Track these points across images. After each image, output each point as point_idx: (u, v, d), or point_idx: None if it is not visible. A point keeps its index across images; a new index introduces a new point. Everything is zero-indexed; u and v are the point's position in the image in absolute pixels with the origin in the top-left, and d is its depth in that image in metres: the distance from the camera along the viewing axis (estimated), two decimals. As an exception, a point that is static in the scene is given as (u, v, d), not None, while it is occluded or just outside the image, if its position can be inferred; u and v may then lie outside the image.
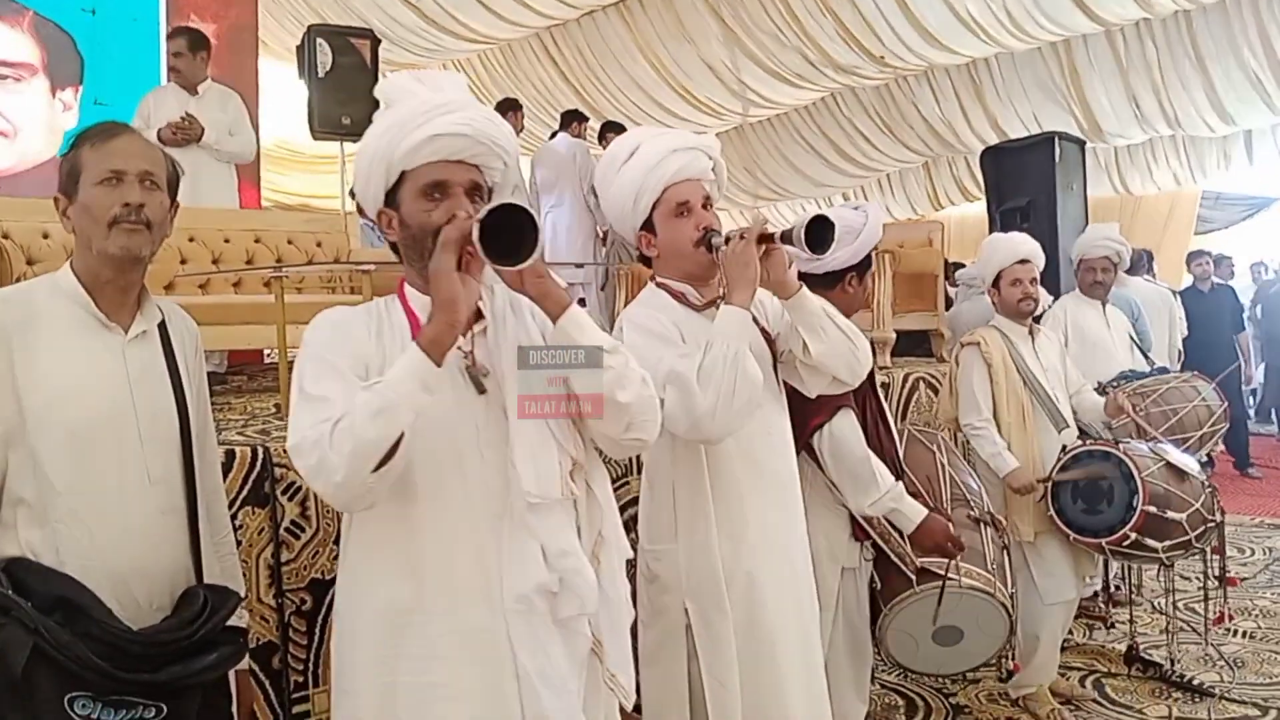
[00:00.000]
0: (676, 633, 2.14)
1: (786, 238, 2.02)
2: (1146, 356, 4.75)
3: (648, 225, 2.17)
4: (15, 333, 1.64)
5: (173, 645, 1.64)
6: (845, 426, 2.54)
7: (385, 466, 1.46)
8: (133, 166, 1.70)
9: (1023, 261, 3.63)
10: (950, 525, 2.62)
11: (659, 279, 2.22)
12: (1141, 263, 7.34)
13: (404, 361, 1.49)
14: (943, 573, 2.61)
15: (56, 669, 1.52)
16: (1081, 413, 3.84)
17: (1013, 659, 3.12)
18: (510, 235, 1.48)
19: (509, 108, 7.82)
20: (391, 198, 1.65)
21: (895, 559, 2.65)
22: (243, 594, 1.89)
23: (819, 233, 1.99)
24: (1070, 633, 4.29)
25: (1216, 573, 3.77)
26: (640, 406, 1.64)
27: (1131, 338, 4.70)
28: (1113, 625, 4.42)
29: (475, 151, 1.64)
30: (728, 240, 2.06)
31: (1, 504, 1.63)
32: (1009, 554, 2.89)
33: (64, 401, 1.64)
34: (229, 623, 1.76)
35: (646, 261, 2.27)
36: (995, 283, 3.70)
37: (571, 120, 7.86)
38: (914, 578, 2.65)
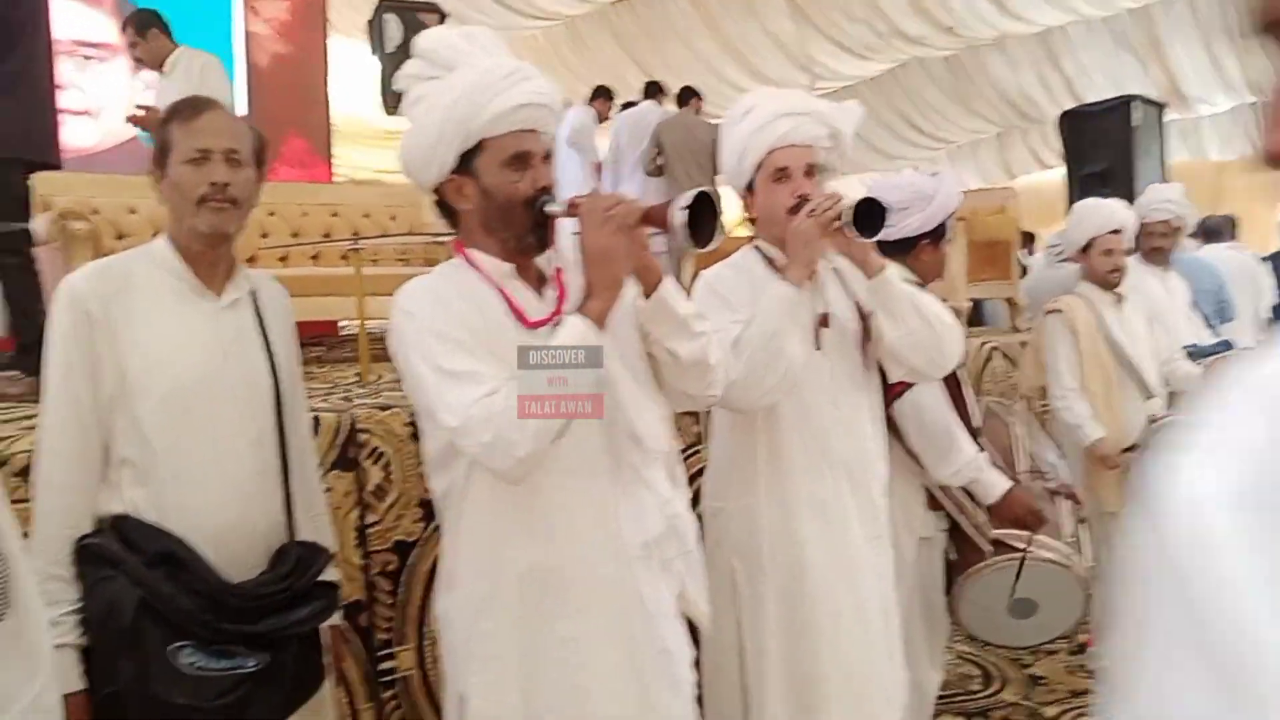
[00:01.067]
0: (727, 587, 2.15)
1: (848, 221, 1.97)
2: (1212, 328, 4.59)
3: (750, 188, 2.15)
4: (115, 301, 1.70)
5: (269, 599, 1.70)
6: (927, 394, 2.50)
7: (563, 435, 1.52)
8: (218, 144, 1.73)
9: (1115, 231, 3.55)
10: (1031, 498, 2.59)
11: (758, 243, 2.21)
12: (1225, 229, 7.12)
13: (572, 335, 1.52)
14: (1019, 546, 2.58)
15: (162, 620, 1.59)
16: (1174, 382, 3.77)
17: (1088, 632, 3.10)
18: (695, 218, 1.54)
19: (599, 95, 7.82)
20: (464, 165, 1.63)
21: (971, 530, 2.63)
22: (333, 551, 1.94)
23: (868, 215, 1.94)
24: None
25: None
26: (721, 367, 1.71)
27: (1198, 308, 4.55)
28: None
29: (549, 120, 1.66)
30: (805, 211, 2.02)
31: (109, 464, 1.69)
32: (1089, 526, 2.85)
33: (163, 367, 1.70)
34: (321, 578, 1.82)
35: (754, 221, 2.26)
36: (1085, 249, 3.60)
37: (656, 91, 7.85)
38: (989, 549, 2.63)
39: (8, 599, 1.30)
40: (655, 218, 1.58)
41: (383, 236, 4.10)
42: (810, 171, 2.09)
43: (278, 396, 1.82)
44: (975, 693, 3.52)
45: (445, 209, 1.71)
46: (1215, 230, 7.01)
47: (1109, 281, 3.58)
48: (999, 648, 3.74)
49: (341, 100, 8.01)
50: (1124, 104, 6.05)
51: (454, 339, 1.56)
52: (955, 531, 2.70)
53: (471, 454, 1.53)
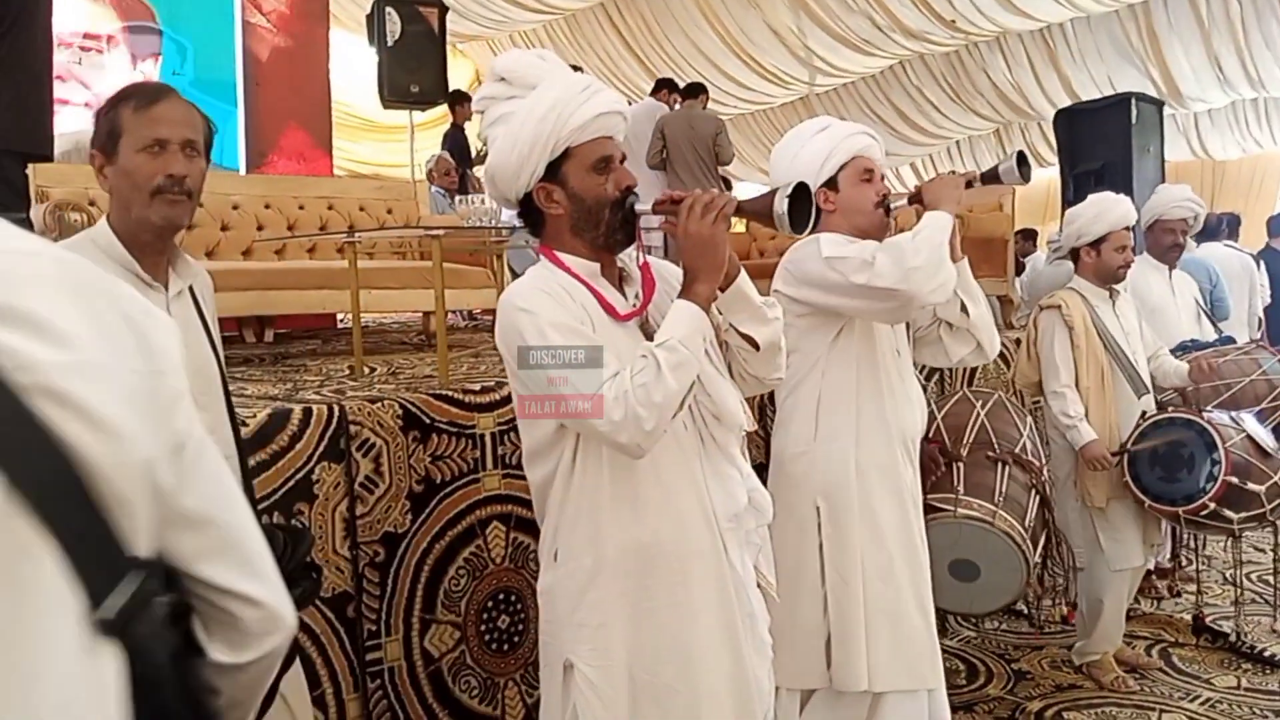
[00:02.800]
0: (808, 527, 2.41)
1: (993, 176, 2.35)
2: (1216, 325, 4.62)
3: (830, 184, 2.44)
4: None
5: None
6: None
7: (679, 412, 1.68)
8: (176, 135, 1.71)
9: (1129, 227, 3.61)
10: (946, 471, 2.85)
11: (828, 234, 2.43)
12: (1221, 228, 7.14)
13: (684, 319, 1.68)
14: (945, 507, 2.74)
15: None
16: (1160, 377, 3.79)
17: (1068, 603, 3.15)
18: (794, 207, 1.71)
19: (662, 87, 7.91)
20: (552, 173, 1.76)
21: None
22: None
23: (1022, 165, 2.30)
24: (1137, 601, 4.26)
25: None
26: (785, 354, 1.92)
27: (1199, 304, 4.58)
28: (1179, 594, 4.36)
29: (620, 127, 1.81)
30: (910, 199, 2.39)
31: None
32: (1039, 493, 2.92)
33: None
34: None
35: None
36: (1097, 244, 3.61)
37: (661, 88, 7.94)
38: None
39: None
40: (753, 209, 1.77)
41: (380, 230, 4.12)
42: (883, 178, 2.49)
43: (225, 385, 1.85)
44: (960, 687, 3.55)
45: (531, 216, 1.84)
46: (1212, 229, 7.02)
47: (1119, 276, 3.63)
48: (967, 624, 3.87)
49: (338, 93, 8.01)
50: (1123, 101, 6.06)
51: (572, 329, 1.69)
52: None
53: (601, 431, 1.64)
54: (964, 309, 2.41)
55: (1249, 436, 3.47)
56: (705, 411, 1.81)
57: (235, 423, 1.88)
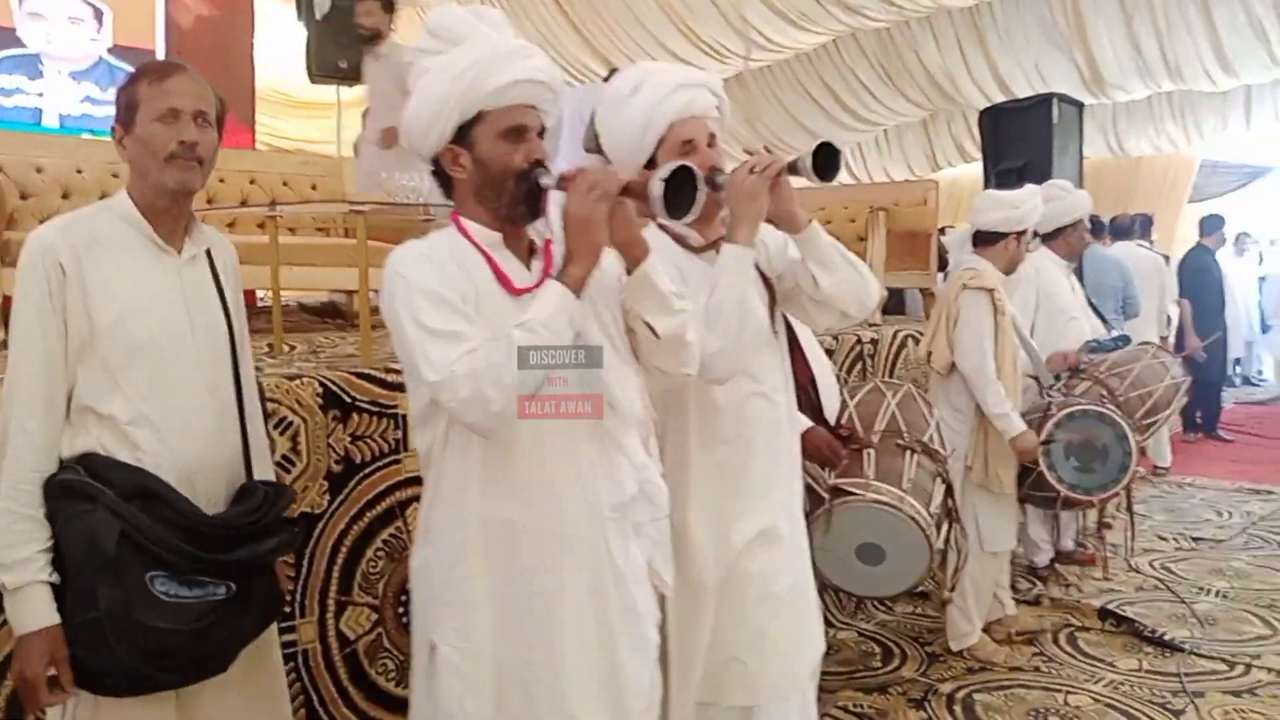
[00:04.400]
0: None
1: (794, 168, 2.00)
2: (1105, 322, 4.74)
3: (651, 163, 2.10)
4: (85, 254, 1.76)
5: (242, 530, 1.81)
6: None
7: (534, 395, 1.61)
8: (188, 105, 1.79)
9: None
10: (855, 456, 2.76)
11: (660, 220, 2.15)
12: (1134, 227, 7.36)
13: (551, 299, 1.62)
14: (855, 491, 2.72)
15: (140, 550, 1.67)
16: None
17: (952, 588, 3.27)
18: (673, 191, 1.63)
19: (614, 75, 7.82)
20: (462, 135, 1.71)
21: (811, 482, 2.72)
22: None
23: (826, 159, 1.97)
24: (1046, 587, 4.39)
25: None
26: (696, 347, 1.82)
27: (1093, 305, 4.71)
28: (1068, 584, 4.49)
29: (547, 98, 1.75)
30: (712, 183, 2.01)
31: (72, 409, 1.75)
32: (944, 481, 2.95)
33: (131, 317, 1.77)
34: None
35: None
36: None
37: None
38: (827, 496, 2.73)
39: None
40: (636, 189, 1.66)
41: (302, 203, 4.03)
42: (712, 142, 2.11)
43: (233, 347, 1.93)
44: (875, 669, 3.62)
45: (442, 178, 1.79)
46: (1125, 229, 7.24)
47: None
48: (881, 608, 3.96)
49: (265, 67, 7.82)
50: (1045, 101, 6.19)
51: (442, 299, 1.64)
52: (807, 487, 2.78)
53: (449, 408, 1.60)
54: (815, 280, 2.09)
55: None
56: (523, 380, 1.66)
57: (240, 388, 1.91)
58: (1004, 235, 3.66)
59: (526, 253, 1.79)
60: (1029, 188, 3.81)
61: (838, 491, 2.74)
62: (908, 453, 2.90)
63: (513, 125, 1.70)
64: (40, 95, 6.59)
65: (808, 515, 2.79)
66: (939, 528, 2.88)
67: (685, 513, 2.11)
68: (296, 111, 11.12)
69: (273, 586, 1.94)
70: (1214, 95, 10.04)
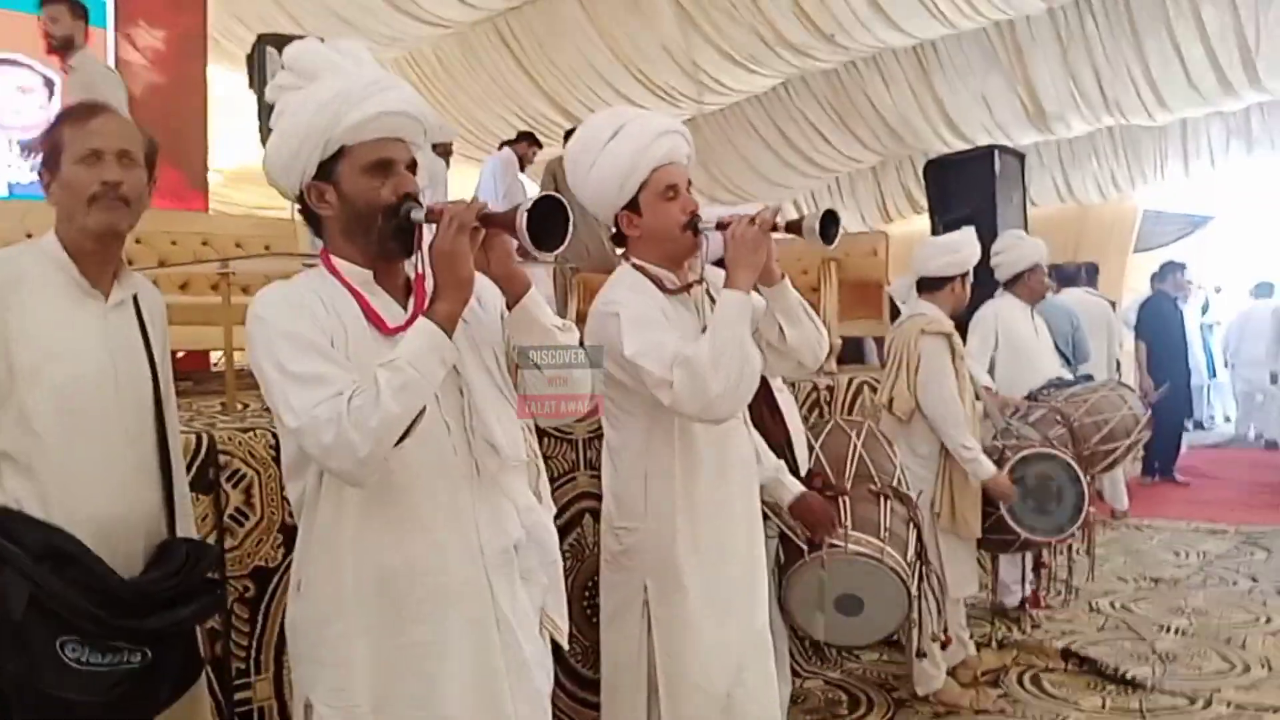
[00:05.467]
0: (634, 602, 2.24)
1: (795, 228, 2.08)
2: (1071, 366, 4.89)
3: (632, 205, 2.20)
4: (7, 293, 1.72)
5: (160, 594, 1.74)
6: None
7: (404, 440, 1.52)
8: (110, 145, 1.78)
9: None
10: (833, 504, 2.76)
11: (635, 261, 2.25)
12: (1081, 275, 7.53)
13: (419, 337, 1.54)
14: (836, 543, 2.72)
15: (49, 615, 1.59)
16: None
17: (945, 631, 3.28)
18: (540, 223, 1.55)
19: (523, 139, 7.93)
20: (325, 172, 1.64)
21: (788, 531, 2.74)
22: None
23: (829, 226, 2.06)
24: (1009, 630, 4.40)
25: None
26: (587, 379, 1.78)
27: (1058, 347, 4.84)
28: (1036, 625, 4.50)
29: (413, 129, 1.69)
30: (720, 225, 2.13)
31: None
32: (916, 526, 2.97)
33: (51, 361, 1.73)
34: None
35: (619, 242, 2.33)
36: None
37: (521, 140, 8.03)
38: (805, 548, 2.74)
39: None
40: (499, 221, 1.59)
41: (252, 255, 4.01)
42: (689, 187, 2.20)
43: (157, 397, 1.88)
44: (841, 716, 3.59)
45: (308, 215, 1.73)
46: (1071, 276, 7.40)
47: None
48: (850, 660, 3.95)
49: (223, 138, 7.82)
50: (987, 154, 6.37)
51: (305, 342, 1.56)
52: (782, 536, 2.81)
53: (313, 454, 1.54)
54: (781, 332, 2.20)
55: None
56: (479, 438, 1.68)
57: (164, 436, 1.87)
58: (949, 279, 3.74)
59: (402, 290, 1.72)
60: (965, 231, 3.90)
61: (815, 544, 2.73)
62: (881, 498, 2.91)
63: (378, 159, 1.64)
64: (-11, 165, 6.54)
65: (783, 566, 2.80)
66: (914, 575, 2.89)
67: (698, 521, 2.20)
68: (253, 184, 11.14)
69: (190, 651, 1.86)
70: (1152, 130, 10.38)
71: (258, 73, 6.82)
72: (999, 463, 3.67)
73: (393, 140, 1.66)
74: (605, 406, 2.30)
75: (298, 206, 1.74)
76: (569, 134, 7.84)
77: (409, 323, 1.65)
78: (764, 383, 2.80)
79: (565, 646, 1.89)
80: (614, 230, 2.29)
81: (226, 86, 8.05)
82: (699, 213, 2.19)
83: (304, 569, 1.69)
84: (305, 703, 1.65)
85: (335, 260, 1.69)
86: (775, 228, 2.09)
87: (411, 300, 1.71)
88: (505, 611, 1.68)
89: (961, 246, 3.77)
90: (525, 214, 1.54)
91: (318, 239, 1.77)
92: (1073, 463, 3.71)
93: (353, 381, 1.52)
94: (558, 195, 1.58)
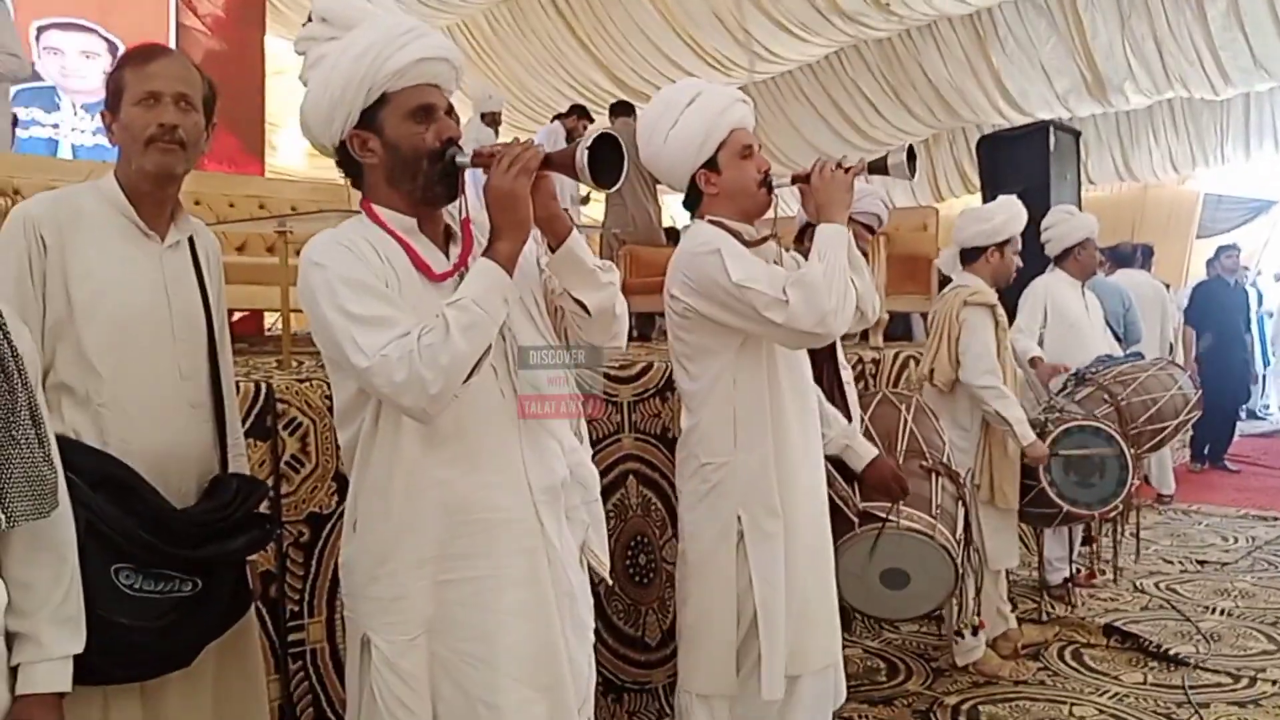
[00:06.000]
0: (728, 536, 2.37)
1: (880, 168, 2.30)
2: (1123, 344, 4.83)
3: (709, 165, 2.36)
4: (68, 230, 1.76)
5: (211, 525, 1.78)
6: None
7: (472, 376, 1.57)
8: (169, 88, 1.79)
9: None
10: (894, 466, 2.80)
11: (711, 218, 2.39)
12: (1136, 256, 7.42)
13: (483, 276, 1.58)
14: (883, 515, 2.73)
15: (104, 541, 1.63)
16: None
17: (979, 613, 3.22)
18: (598, 161, 1.59)
19: (574, 113, 7.96)
20: (367, 119, 1.66)
21: (840, 502, 2.74)
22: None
23: (910, 160, 2.27)
24: (1051, 606, 4.39)
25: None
26: (624, 319, 1.84)
27: (1110, 324, 4.79)
28: (1080, 603, 4.48)
29: (449, 76, 1.71)
30: (795, 179, 2.36)
31: (45, 389, 1.70)
32: (964, 504, 2.97)
33: (108, 297, 1.77)
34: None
35: (690, 206, 2.47)
36: (1002, 246, 3.74)
37: (572, 113, 8.05)
38: (856, 520, 2.75)
39: (56, 498, 1.38)
40: (559, 161, 1.62)
41: (308, 214, 4.07)
42: (760, 147, 2.39)
43: (210, 337, 1.92)
44: (881, 683, 3.61)
45: (348, 166, 1.74)
46: (1126, 257, 7.30)
47: (1009, 280, 3.78)
48: (885, 623, 3.94)
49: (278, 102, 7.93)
50: (1041, 130, 6.28)
51: (365, 285, 1.58)
52: (830, 507, 2.81)
53: (384, 393, 1.56)
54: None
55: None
56: (525, 381, 1.73)
57: (217, 375, 1.92)
58: (984, 249, 3.73)
59: (443, 238, 1.75)
60: (1001, 200, 3.87)
61: (868, 516, 2.75)
62: (933, 475, 2.91)
63: (420, 104, 1.65)
64: (55, 127, 6.72)
65: (835, 539, 2.82)
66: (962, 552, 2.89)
67: (787, 449, 2.36)
68: (309, 149, 11.27)
69: (241, 583, 1.90)
70: (1214, 107, 10.12)
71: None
72: (1041, 436, 3.65)
73: (430, 86, 1.68)
74: (679, 357, 2.45)
75: (335, 159, 1.76)
76: (616, 107, 7.90)
77: (457, 268, 1.69)
78: (833, 357, 2.91)
79: (609, 581, 1.96)
80: (686, 192, 2.44)
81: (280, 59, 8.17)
82: (769, 170, 2.38)
83: (359, 508, 1.72)
84: (362, 638, 1.69)
85: (378, 209, 1.70)
86: (859, 171, 2.31)
87: (452, 247, 1.75)
88: (554, 544, 1.73)
89: (994, 215, 3.75)
90: (586, 151, 1.57)
91: (355, 189, 1.80)
92: (1116, 436, 3.68)
93: (415, 323, 1.55)
94: (613, 133, 1.60)
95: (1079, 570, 4.77)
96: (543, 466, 1.74)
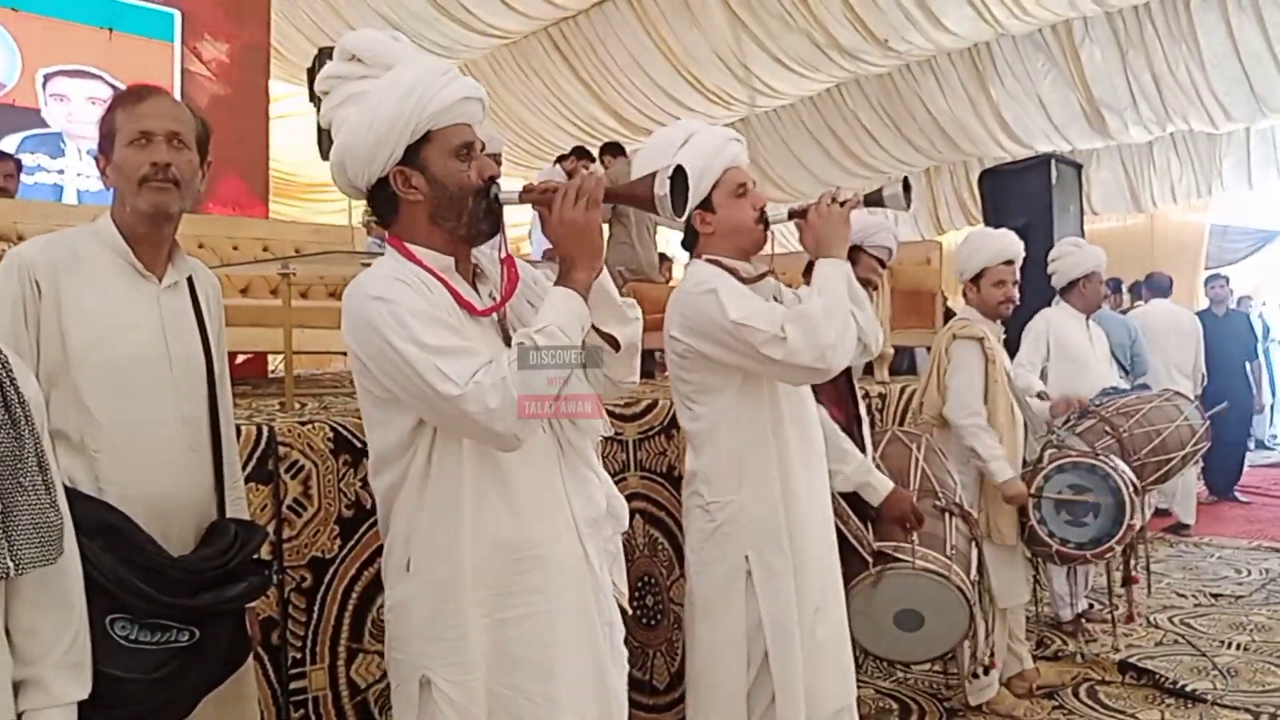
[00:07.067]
0: (736, 577, 2.33)
1: (875, 200, 2.28)
2: (1129, 376, 4.79)
3: (704, 205, 2.36)
4: (63, 273, 1.75)
5: (209, 573, 1.75)
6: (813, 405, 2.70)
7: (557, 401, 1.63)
8: (160, 127, 1.79)
9: (1008, 262, 3.63)
10: (911, 499, 2.78)
11: (708, 256, 2.39)
12: (1164, 286, 7.36)
13: (563, 304, 1.63)
14: (899, 556, 2.70)
15: (100, 592, 1.59)
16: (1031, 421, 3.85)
17: (990, 655, 3.16)
18: (675, 191, 1.68)
19: (575, 154, 8.02)
20: (411, 157, 1.68)
21: (854, 541, 2.72)
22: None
23: (906, 191, 2.26)
24: (1064, 643, 4.33)
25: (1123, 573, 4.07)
26: (639, 358, 1.85)
27: (1116, 356, 4.74)
28: (1093, 639, 4.41)
29: (481, 115, 1.76)
30: (792, 214, 2.32)
31: None
32: (977, 545, 2.94)
33: (105, 341, 1.76)
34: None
35: (688, 245, 2.46)
36: (976, 279, 3.65)
37: (571, 155, 8.13)
38: (870, 560, 2.71)
39: (62, 544, 1.37)
40: (626, 193, 1.73)
41: (311, 255, 4.08)
42: (755, 185, 2.38)
43: (210, 378, 1.90)
44: (893, 724, 3.56)
45: (382, 204, 1.76)
46: (1163, 288, 7.26)
47: (999, 313, 3.65)
48: (899, 666, 3.84)
49: (280, 148, 8.00)
50: (1043, 163, 6.30)
51: (434, 318, 1.61)
52: (843, 546, 2.78)
53: (475, 419, 1.56)
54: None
55: (1129, 475, 3.61)
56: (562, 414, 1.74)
57: (216, 417, 1.90)
58: (973, 280, 3.69)
59: (472, 277, 1.78)
60: (973, 232, 3.88)
61: (882, 556, 2.72)
62: (946, 515, 2.89)
63: (463, 142, 1.69)
64: (60, 173, 6.77)
65: (844, 578, 2.78)
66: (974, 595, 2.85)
67: (793, 487, 2.33)
68: (309, 196, 11.36)
69: (240, 631, 1.88)
70: (1215, 139, 10.16)
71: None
72: (1035, 472, 3.59)
73: (467, 125, 1.72)
74: (681, 397, 2.43)
75: (366, 198, 1.77)
76: (607, 147, 7.96)
77: (500, 303, 1.75)
78: (852, 390, 2.92)
79: (629, 611, 1.95)
80: (684, 232, 2.44)
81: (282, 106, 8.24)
82: (765, 205, 2.38)
83: (413, 549, 1.71)
84: (422, 679, 1.68)
85: (415, 249, 1.71)
86: (853, 205, 2.29)
87: (481, 285, 1.78)
88: (598, 576, 1.78)
89: (973, 245, 3.72)
90: (668, 180, 1.66)
91: (382, 228, 1.81)
92: (1114, 474, 3.54)
93: (487, 353, 1.59)
94: (682, 165, 1.70)
95: (1091, 605, 4.71)
96: (585, 499, 1.78)
